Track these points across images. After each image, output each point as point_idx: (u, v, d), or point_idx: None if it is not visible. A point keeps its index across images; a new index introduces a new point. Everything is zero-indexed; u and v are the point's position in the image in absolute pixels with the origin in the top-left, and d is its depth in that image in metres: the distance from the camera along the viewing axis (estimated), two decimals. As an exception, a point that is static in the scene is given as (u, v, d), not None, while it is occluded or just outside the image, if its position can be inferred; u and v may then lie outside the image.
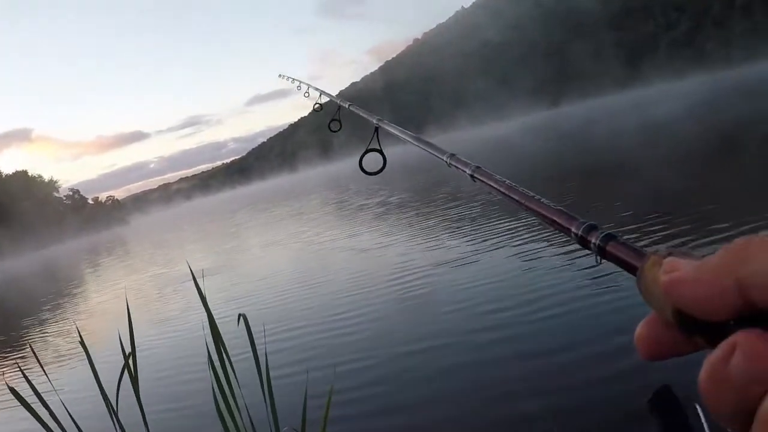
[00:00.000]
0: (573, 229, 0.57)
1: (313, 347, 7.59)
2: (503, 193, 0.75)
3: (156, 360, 8.72)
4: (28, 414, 2.91)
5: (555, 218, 0.62)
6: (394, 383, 5.83)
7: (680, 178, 14.34)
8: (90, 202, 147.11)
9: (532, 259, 9.27)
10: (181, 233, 44.14)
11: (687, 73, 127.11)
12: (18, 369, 3.19)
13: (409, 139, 1.25)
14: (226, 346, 3.04)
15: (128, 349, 3.10)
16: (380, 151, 1.52)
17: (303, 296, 10.69)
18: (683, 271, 0.38)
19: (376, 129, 1.50)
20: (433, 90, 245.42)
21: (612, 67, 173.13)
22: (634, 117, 41.27)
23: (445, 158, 1.01)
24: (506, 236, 11.42)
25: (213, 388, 2.93)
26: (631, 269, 0.46)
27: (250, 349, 3.09)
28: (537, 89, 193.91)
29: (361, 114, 1.82)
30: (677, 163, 17.16)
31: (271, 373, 3.12)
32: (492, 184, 0.79)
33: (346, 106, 2.13)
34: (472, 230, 13.28)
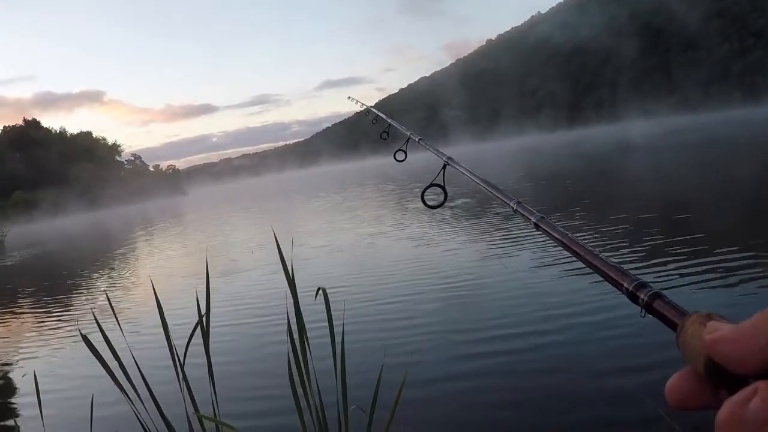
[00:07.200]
0: (625, 285, 0.62)
1: (390, 329, 7.53)
2: (564, 244, 0.81)
3: (225, 325, 8.69)
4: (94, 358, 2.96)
5: (610, 273, 0.67)
6: (471, 377, 5.73)
7: None
8: (151, 169, 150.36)
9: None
10: (254, 208, 44.26)
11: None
12: (93, 318, 3.23)
13: (478, 182, 1.31)
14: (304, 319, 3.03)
15: (203, 307, 3.12)
16: (443, 187, 1.57)
17: (386, 279, 10.78)
18: (724, 330, 0.44)
19: (444, 166, 1.57)
20: (504, 91, 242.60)
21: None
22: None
23: (511, 204, 1.05)
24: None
25: (289, 358, 2.93)
26: (672, 325, 0.52)
27: (318, 319, 3.06)
28: (598, 103, 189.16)
29: (429, 150, 1.91)
30: None
31: (345, 348, 3.10)
32: (555, 235, 0.85)
33: (416, 140, 2.21)
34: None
